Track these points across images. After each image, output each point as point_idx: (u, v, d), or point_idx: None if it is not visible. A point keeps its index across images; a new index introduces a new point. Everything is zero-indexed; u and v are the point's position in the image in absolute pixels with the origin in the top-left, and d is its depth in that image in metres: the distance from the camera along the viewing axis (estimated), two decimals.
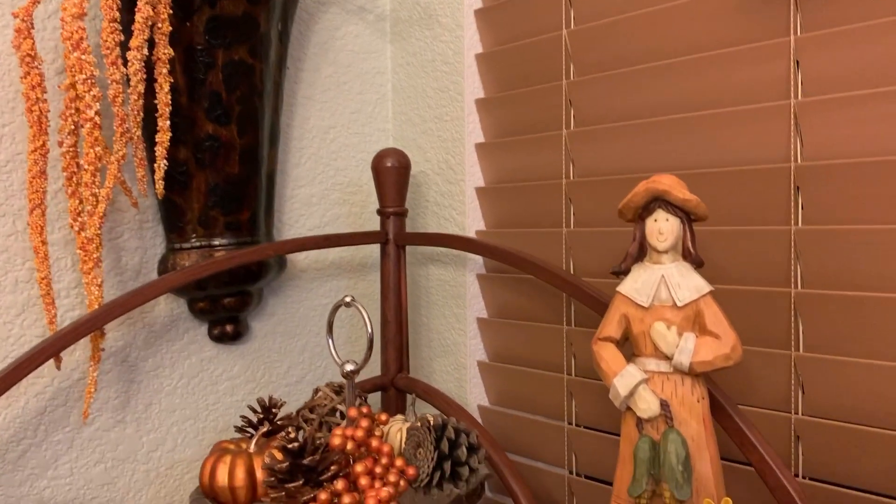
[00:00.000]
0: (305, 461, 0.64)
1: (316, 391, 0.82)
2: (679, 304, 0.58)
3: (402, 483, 0.67)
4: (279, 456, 0.65)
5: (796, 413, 0.72)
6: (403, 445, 0.71)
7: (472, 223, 1.01)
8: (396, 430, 0.75)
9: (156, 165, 0.81)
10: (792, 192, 0.71)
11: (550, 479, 0.93)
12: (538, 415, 0.95)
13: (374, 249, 1.10)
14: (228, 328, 0.95)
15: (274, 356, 1.02)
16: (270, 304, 1.01)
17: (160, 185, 0.81)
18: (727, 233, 0.75)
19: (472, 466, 0.69)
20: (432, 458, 0.67)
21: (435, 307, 1.06)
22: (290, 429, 0.67)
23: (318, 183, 1.05)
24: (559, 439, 0.91)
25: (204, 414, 0.95)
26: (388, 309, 0.98)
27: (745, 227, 0.74)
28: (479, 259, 1.02)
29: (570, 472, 0.91)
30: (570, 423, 0.90)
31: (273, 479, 0.64)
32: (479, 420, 1.01)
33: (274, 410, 0.80)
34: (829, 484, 0.69)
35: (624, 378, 0.59)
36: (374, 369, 0.99)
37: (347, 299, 0.74)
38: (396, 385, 0.97)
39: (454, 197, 1.03)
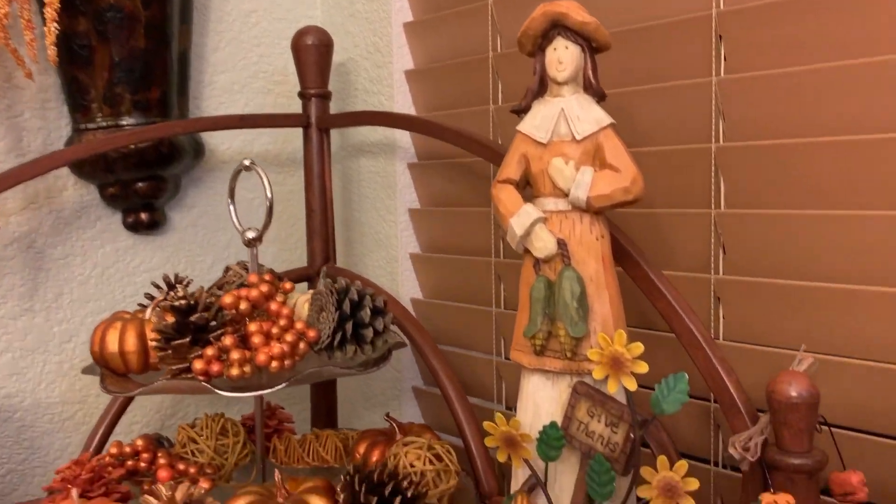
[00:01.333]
0: (193, 318, 0.60)
1: (227, 269, 0.79)
2: (578, 137, 0.55)
3: (301, 345, 0.64)
4: (169, 317, 0.62)
5: (717, 274, 0.69)
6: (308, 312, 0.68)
7: (401, 108, 0.97)
8: (304, 300, 0.72)
9: (45, 29, 0.75)
10: (714, 41, 0.67)
11: (481, 366, 0.90)
12: (470, 304, 0.92)
13: (301, 145, 1.06)
14: (143, 216, 0.91)
15: (196, 249, 0.98)
16: (190, 194, 0.97)
17: (52, 51, 0.76)
18: (648, 91, 0.71)
19: (377, 329, 0.66)
20: (333, 320, 0.64)
21: (366, 200, 1.03)
22: (179, 288, 0.64)
23: (240, 69, 1.00)
24: (488, 325, 0.89)
25: (121, 306, 0.92)
26: (313, 198, 0.94)
27: (665, 84, 0.70)
28: (409, 148, 0.98)
29: (499, 356, 0.88)
30: (498, 307, 0.88)
31: (160, 338, 0.61)
32: (413, 313, 0.98)
33: (179, 286, 0.76)
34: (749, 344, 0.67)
35: (520, 217, 0.56)
36: (300, 260, 0.96)
37: (247, 162, 0.70)
38: None
39: (382, 82, 0.98)
